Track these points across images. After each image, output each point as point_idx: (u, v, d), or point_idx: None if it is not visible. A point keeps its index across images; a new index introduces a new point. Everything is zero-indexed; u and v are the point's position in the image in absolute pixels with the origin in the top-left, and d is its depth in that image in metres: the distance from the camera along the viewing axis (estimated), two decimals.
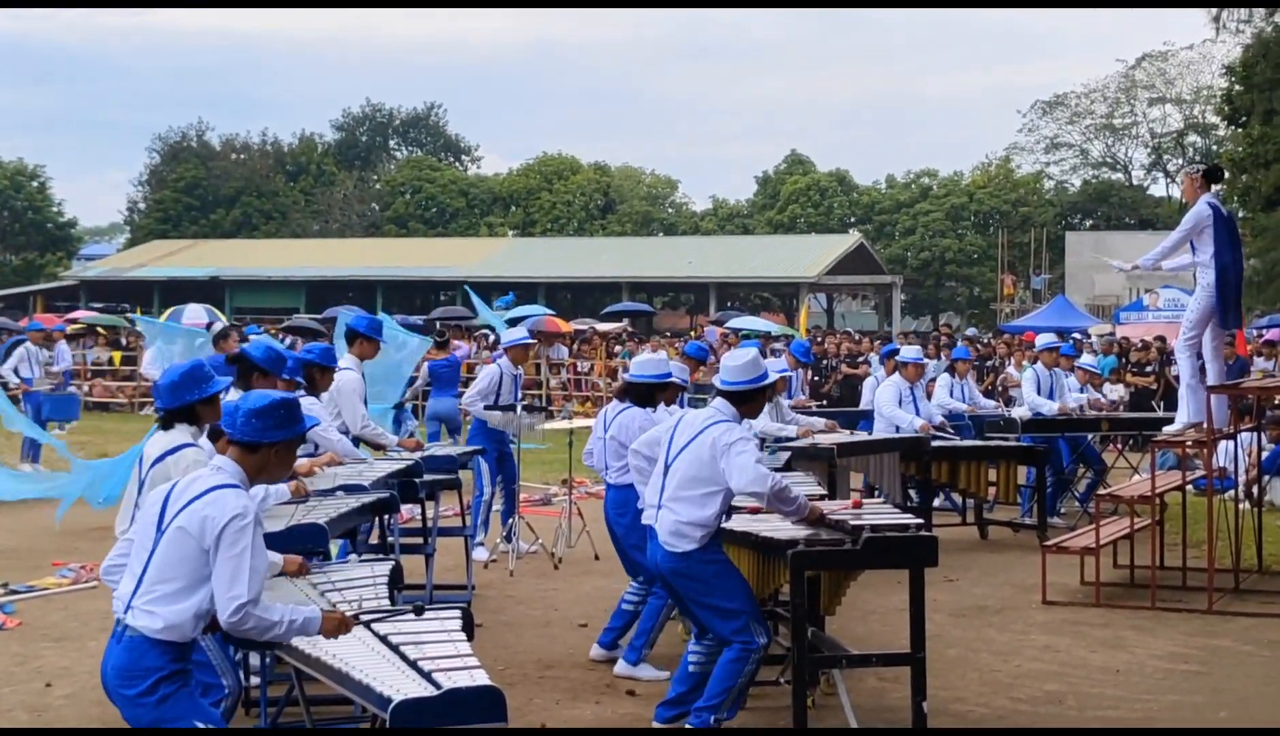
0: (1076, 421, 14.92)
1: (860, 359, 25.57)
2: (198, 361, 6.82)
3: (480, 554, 12.12)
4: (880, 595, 10.28)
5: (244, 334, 20.10)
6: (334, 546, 8.10)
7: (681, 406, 10.76)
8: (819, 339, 29.16)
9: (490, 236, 64.64)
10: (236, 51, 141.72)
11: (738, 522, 7.44)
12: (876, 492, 12.62)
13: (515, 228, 67.51)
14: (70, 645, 9.33)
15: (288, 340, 27.38)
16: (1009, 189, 63.32)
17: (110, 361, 32.51)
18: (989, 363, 25.19)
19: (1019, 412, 15.03)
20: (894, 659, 7.41)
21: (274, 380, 7.81)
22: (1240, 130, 36.22)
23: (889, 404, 13.81)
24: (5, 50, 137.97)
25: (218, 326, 22.20)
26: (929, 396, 15.05)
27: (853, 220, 64.47)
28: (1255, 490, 12.91)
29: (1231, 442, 13.14)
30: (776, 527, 7.31)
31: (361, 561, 6.96)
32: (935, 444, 13.27)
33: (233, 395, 7.09)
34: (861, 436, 13.50)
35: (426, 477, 10.02)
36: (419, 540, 10.23)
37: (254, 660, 7.40)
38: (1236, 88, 35.62)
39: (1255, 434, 13.38)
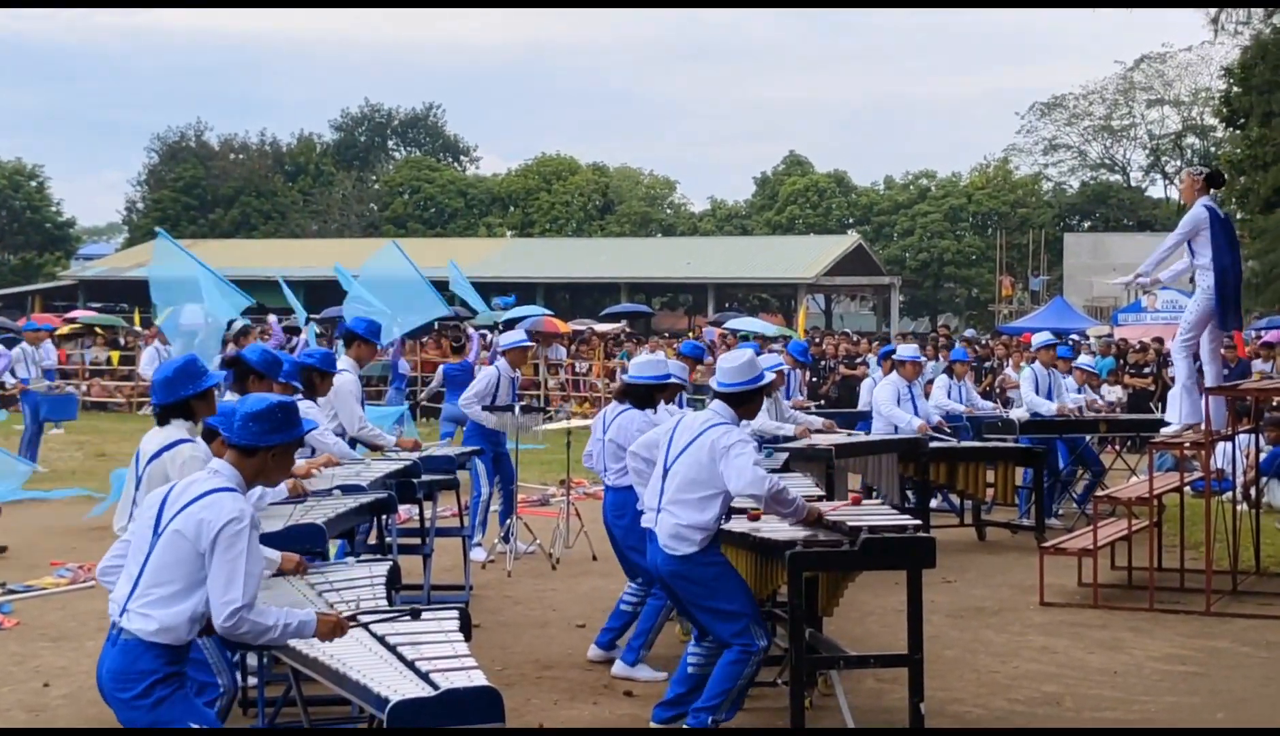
0: (1074, 423, 14.92)
1: (858, 360, 25.57)
2: (191, 356, 6.83)
3: (478, 554, 12.12)
4: (878, 596, 10.29)
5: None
6: (332, 547, 8.10)
7: (680, 406, 10.78)
8: (817, 340, 29.18)
9: (489, 237, 64.61)
10: (235, 51, 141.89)
11: (736, 524, 7.45)
12: (874, 493, 12.62)
13: (514, 228, 67.50)
14: (68, 645, 9.33)
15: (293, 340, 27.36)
16: (1007, 190, 63.34)
17: (108, 361, 32.51)
18: (987, 364, 25.20)
19: (1017, 414, 15.04)
20: (892, 660, 7.41)
21: (270, 383, 7.81)
22: (1238, 132, 36.25)
23: (887, 403, 13.81)
24: (4, 50, 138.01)
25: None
26: (927, 397, 15.05)
27: (851, 221, 64.51)
28: (1253, 492, 12.91)
29: (1229, 444, 13.14)
30: (775, 529, 7.32)
31: (359, 562, 6.96)
32: (933, 445, 13.27)
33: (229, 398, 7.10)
34: (860, 437, 13.50)
35: (424, 478, 10.02)
36: (417, 540, 10.23)
37: (252, 660, 7.40)
38: (1235, 89, 35.63)
39: (1253, 435, 13.38)
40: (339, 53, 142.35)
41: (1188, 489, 12.54)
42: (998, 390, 22.39)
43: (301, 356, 9.67)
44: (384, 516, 9.21)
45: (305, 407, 8.50)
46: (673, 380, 9.46)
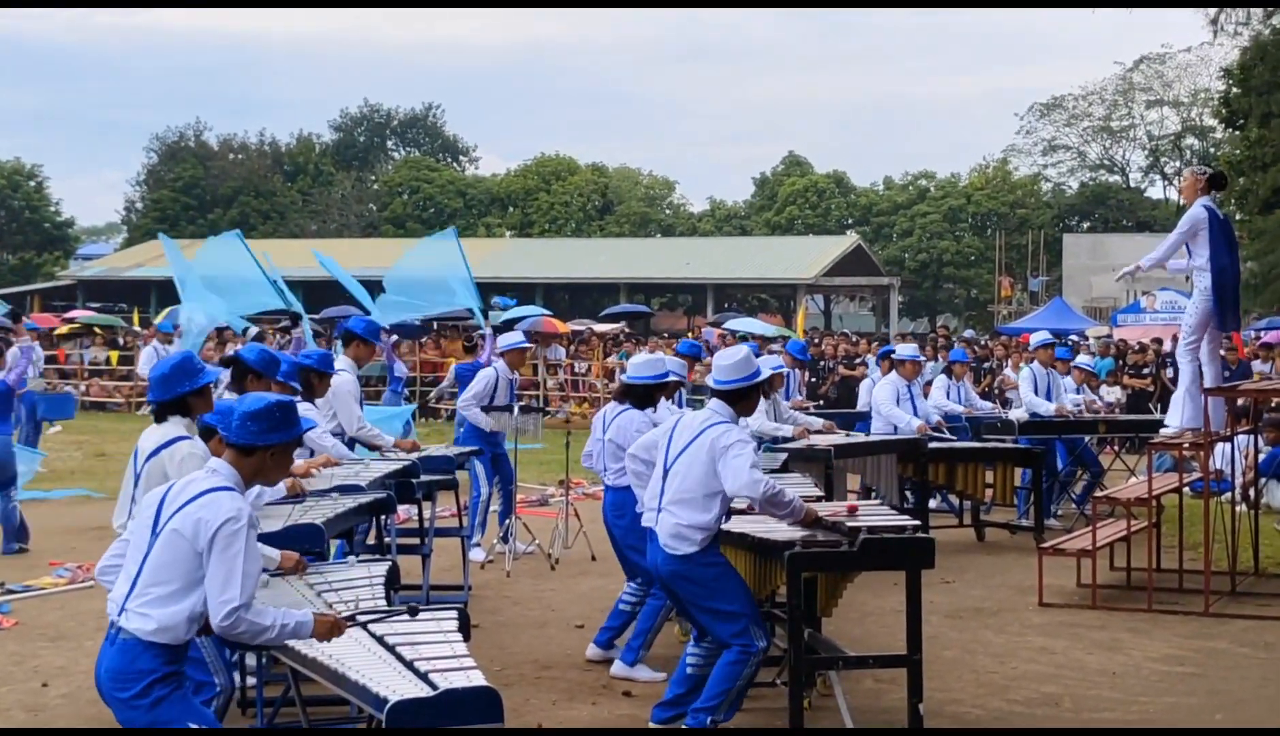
0: (1073, 423, 14.93)
1: (857, 360, 25.57)
2: (188, 353, 6.84)
3: (477, 554, 12.12)
4: (877, 596, 10.29)
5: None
6: (331, 547, 8.10)
7: (680, 405, 10.78)
8: (816, 340, 29.18)
9: (488, 237, 64.61)
10: (234, 51, 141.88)
11: (735, 524, 7.44)
12: (873, 494, 12.62)
13: (513, 228, 67.53)
14: (67, 644, 9.33)
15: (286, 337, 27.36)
16: (1006, 191, 63.34)
17: (107, 361, 32.51)
18: (986, 365, 25.20)
19: (1016, 414, 15.04)
20: (890, 660, 7.42)
21: (268, 383, 7.81)
22: (1238, 133, 36.23)
23: (887, 402, 13.81)
24: (3, 49, 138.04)
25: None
26: (925, 397, 15.04)
27: (850, 222, 64.52)
28: (1252, 493, 12.90)
29: (1228, 445, 13.14)
30: (773, 529, 7.32)
31: (358, 562, 6.96)
32: (932, 445, 13.27)
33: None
34: (859, 437, 13.51)
35: (423, 478, 10.02)
36: (416, 541, 10.23)
37: (250, 660, 7.40)
38: (1234, 90, 35.62)
39: (1252, 436, 13.38)
40: (338, 53, 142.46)
41: (1187, 490, 12.54)
42: (997, 391, 22.40)
43: (299, 357, 9.67)
44: (383, 516, 9.21)
45: (304, 409, 8.51)
46: (671, 378, 9.47)
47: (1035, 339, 15.94)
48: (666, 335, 37.70)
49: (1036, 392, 14.85)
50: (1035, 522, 13.45)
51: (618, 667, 8.51)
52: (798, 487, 8.54)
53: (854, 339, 30.37)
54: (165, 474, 6.21)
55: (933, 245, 61.49)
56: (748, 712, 7.55)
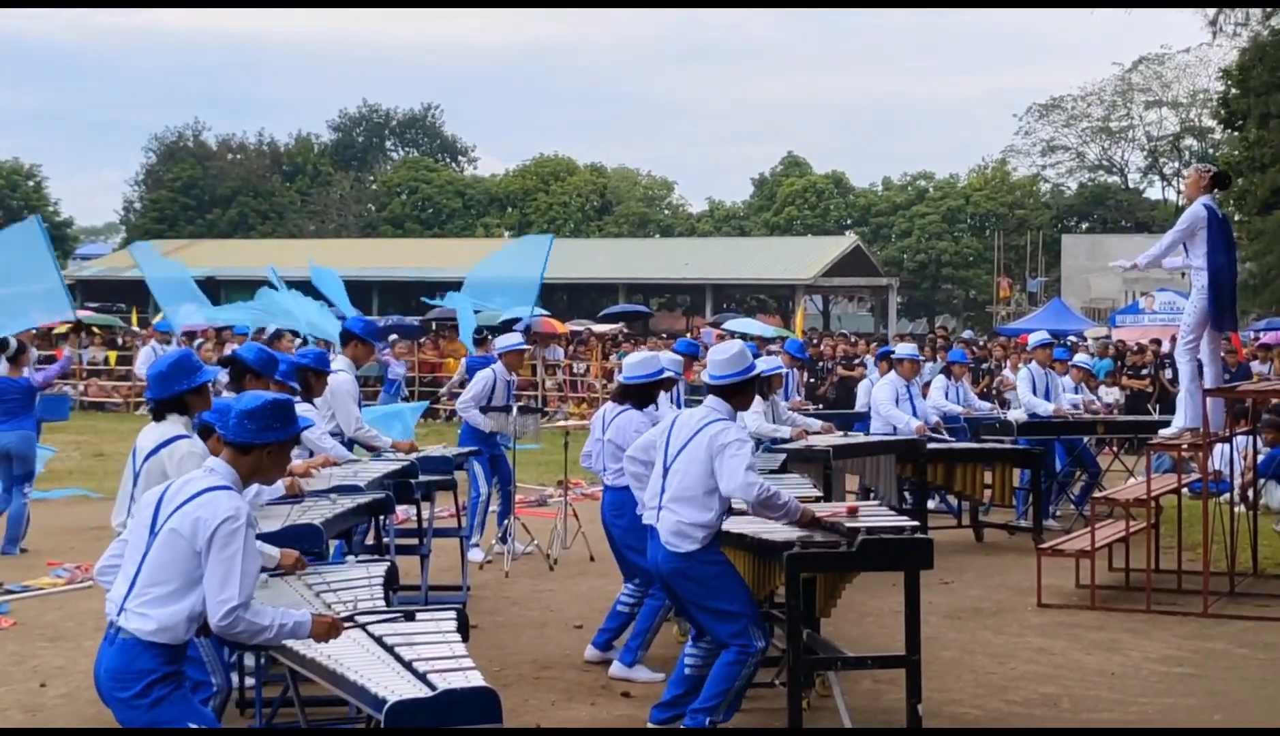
0: (1072, 424, 14.93)
1: (856, 361, 25.58)
2: (186, 351, 6.85)
3: (475, 555, 12.12)
4: (876, 597, 10.29)
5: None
6: (330, 547, 8.10)
7: (678, 405, 10.78)
8: (815, 341, 29.19)
9: (487, 237, 64.60)
10: (233, 51, 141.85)
11: (734, 524, 7.44)
12: (872, 495, 12.61)
13: (512, 228, 67.50)
14: (66, 644, 9.33)
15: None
16: (1005, 192, 63.36)
17: (106, 361, 32.51)
18: (985, 365, 25.20)
19: (1014, 415, 15.04)
20: (889, 661, 7.41)
21: (266, 382, 7.81)
22: (1236, 134, 36.24)
23: (886, 402, 13.80)
24: (3, 49, 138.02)
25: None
26: (924, 397, 15.03)
27: (849, 222, 64.56)
28: (1251, 493, 12.91)
29: (1227, 446, 13.16)
30: (772, 530, 7.31)
31: (357, 562, 6.96)
32: (931, 446, 13.27)
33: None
34: (857, 438, 13.51)
35: (422, 479, 10.02)
36: (414, 541, 10.23)
37: (249, 661, 7.40)
38: (1233, 91, 35.63)
39: (1251, 437, 13.38)
40: (337, 53, 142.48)
41: (1185, 490, 12.54)
42: (995, 392, 22.40)
43: (296, 356, 9.67)
44: (381, 517, 9.21)
45: (303, 409, 8.51)
46: (667, 374, 9.48)
47: (1034, 339, 15.95)
48: (665, 335, 37.72)
49: (1035, 393, 14.85)
50: (1034, 523, 13.45)
51: (616, 668, 8.51)
52: (796, 488, 8.54)
53: (852, 339, 30.38)
54: (164, 472, 6.21)
55: (931, 246, 61.51)
56: (746, 713, 7.55)
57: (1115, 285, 46.76)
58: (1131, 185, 66.86)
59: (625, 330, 38.24)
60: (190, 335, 26.48)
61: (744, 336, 28.89)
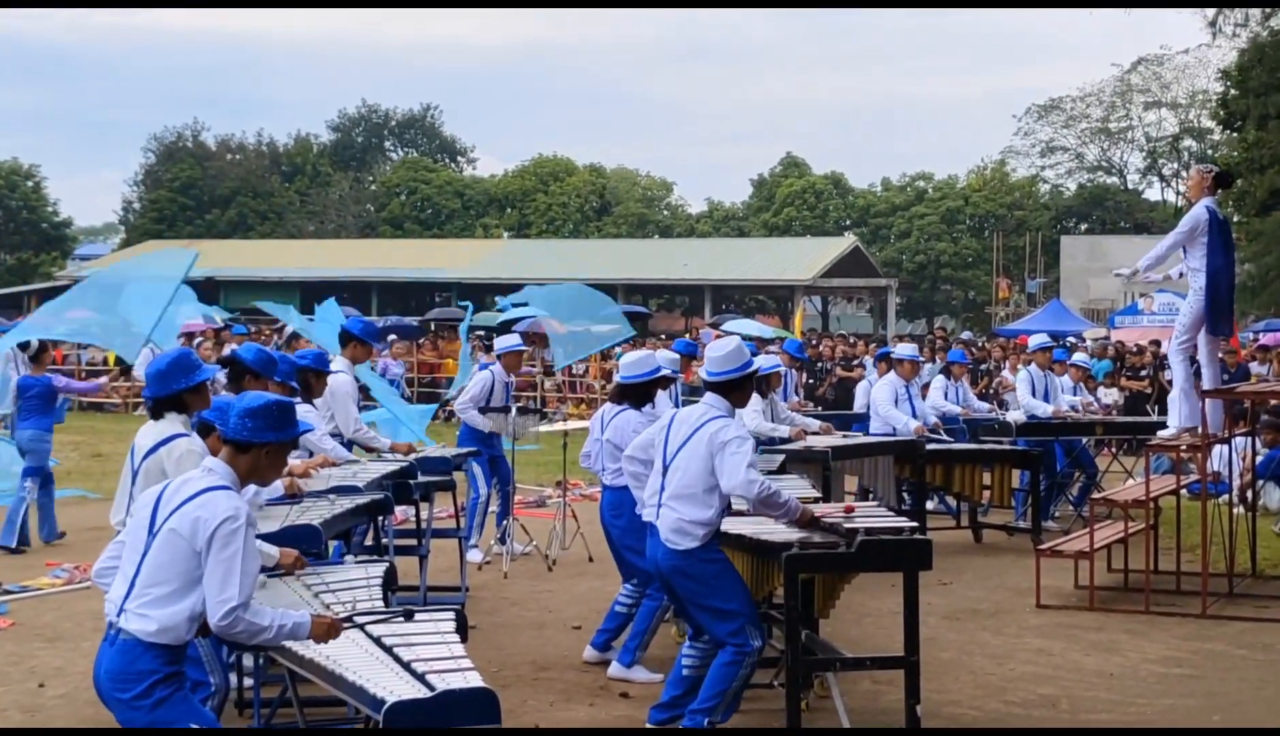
0: (1071, 425, 14.93)
1: (855, 362, 25.57)
2: (185, 350, 6.85)
3: (474, 555, 12.11)
4: (874, 598, 10.29)
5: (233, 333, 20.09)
6: (329, 547, 8.10)
7: (676, 403, 10.78)
8: (814, 342, 29.18)
9: (485, 238, 64.64)
10: (232, 52, 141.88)
11: (733, 525, 7.44)
12: (871, 495, 12.61)
13: (510, 229, 67.53)
14: (64, 645, 9.33)
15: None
16: (1004, 192, 63.37)
17: (105, 361, 32.47)
18: (983, 366, 25.19)
19: (1014, 416, 15.04)
20: (888, 662, 7.42)
21: (266, 383, 7.81)
22: (1235, 135, 36.25)
23: (885, 403, 13.79)
24: (2, 49, 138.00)
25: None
26: (924, 398, 15.03)
27: (848, 223, 64.54)
28: (1249, 494, 12.91)
29: (1226, 447, 13.16)
30: (771, 530, 7.31)
31: (356, 563, 6.96)
32: (930, 447, 13.27)
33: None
34: (856, 438, 13.50)
35: (421, 479, 10.02)
36: (413, 541, 10.23)
37: (248, 661, 7.41)
38: (1232, 92, 35.64)
39: (1249, 438, 13.39)
40: (336, 53, 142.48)
41: (1184, 491, 12.54)
42: (994, 392, 22.40)
43: (296, 357, 9.67)
44: (380, 517, 9.21)
45: (303, 410, 8.52)
46: (664, 373, 9.48)
47: (1034, 342, 15.95)
48: (664, 336, 37.71)
49: (1034, 395, 14.85)
50: (1033, 524, 13.45)
51: (615, 669, 8.51)
52: (795, 489, 8.54)
53: (851, 340, 30.37)
54: (163, 471, 6.21)
55: (930, 247, 61.52)
56: (745, 714, 7.55)
57: (1114, 286, 46.68)
58: (1130, 186, 66.86)
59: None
60: (189, 335, 26.49)
61: (743, 337, 28.87)
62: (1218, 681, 8.62)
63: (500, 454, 12.78)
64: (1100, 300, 47.11)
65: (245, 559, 4.94)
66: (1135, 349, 24.74)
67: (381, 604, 6.14)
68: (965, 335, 40.35)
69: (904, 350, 14.61)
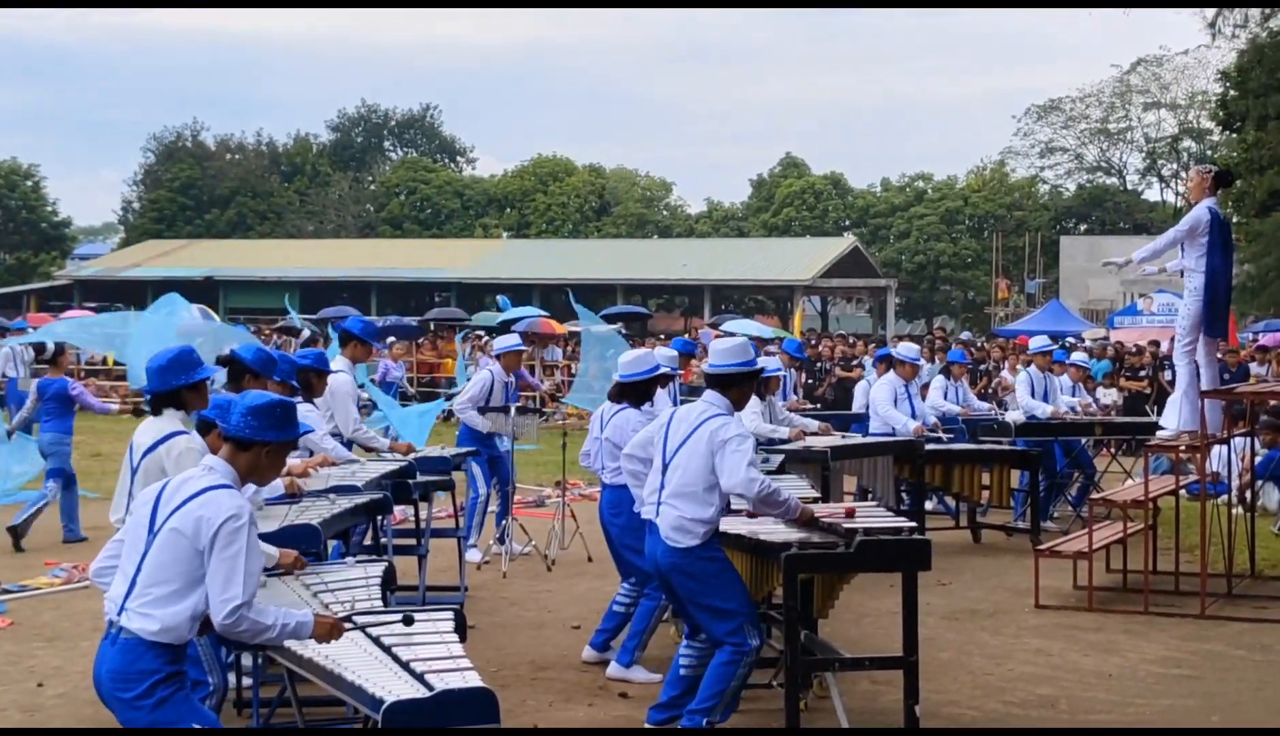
0: (1070, 425, 14.93)
1: (854, 362, 25.57)
2: (187, 347, 6.85)
3: (473, 555, 12.12)
4: (873, 598, 10.29)
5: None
6: (328, 547, 8.10)
7: (675, 403, 10.78)
8: (813, 342, 29.18)
9: (485, 238, 64.64)
10: (232, 52, 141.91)
11: (732, 525, 7.44)
12: (870, 495, 12.61)
13: (510, 229, 67.52)
14: (63, 644, 9.32)
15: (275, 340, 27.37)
16: (1004, 193, 63.38)
17: (104, 361, 32.48)
18: (983, 367, 25.19)
19: (1012, 416, 15.04)
20: (887, 662, 7.42)
21: (265, 382, 7.82)
22: (1235, 135, 36.27)
23: (884, 403, 13.77)
24: (2, 49, 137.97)
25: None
26: (923, 398, 15.02)
27: (847, 223, 64.56)
28: (1248, 495, 12.91)
29: (1225, 447, 13.16)
30: (770, 530, 7.32)
31: (355, 562, 6.96)
32: (929, 447, 13.26)
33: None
34: (855, 439, 13.51)
35: (420, 479, 10.02)
36: (412, 541, 10.23)
37: (246, 661, 7.41)
38: (1231, 93, 35.66)
39: (1248, 439, 13.39)
40: (335, 53, 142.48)
41: (1183, 492, 12.54)
42: (993, 393, 22.40)
43: (296, 357, 9.68)
44: (379, 517, 9.21)
45: (305, 411, 8.54)
46: (663, 371, 9.48)
47: (1034, 344, 15.94)
48: (663, 336, 37.75)
49: (1034, 396, 14.85)
50: (1032, 524, 13.45)
51: (613, 669, 8.51)
52: (794, 489, 8.53)
53: (851, 341, 30.37)
54: (162, 469, 6.22)
55: (930, 247, 61.54)
56: (744, 714, 7.55)
57: (1113, 287, 46.74)
58: (1130, 187, 66.87)
59: (623, 331, 38.19)
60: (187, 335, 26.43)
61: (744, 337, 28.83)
62: (1216, 682, 8.62)
63: (500, 454, 12.78)
64: (1099, 300, 47.14)
65: (249, 557, 4.94)
66: (1134, 349, 24.76)
67: (380, 603, 6.14)
68: (964, 335, 40.35)
69: (905, 351, 14.56)
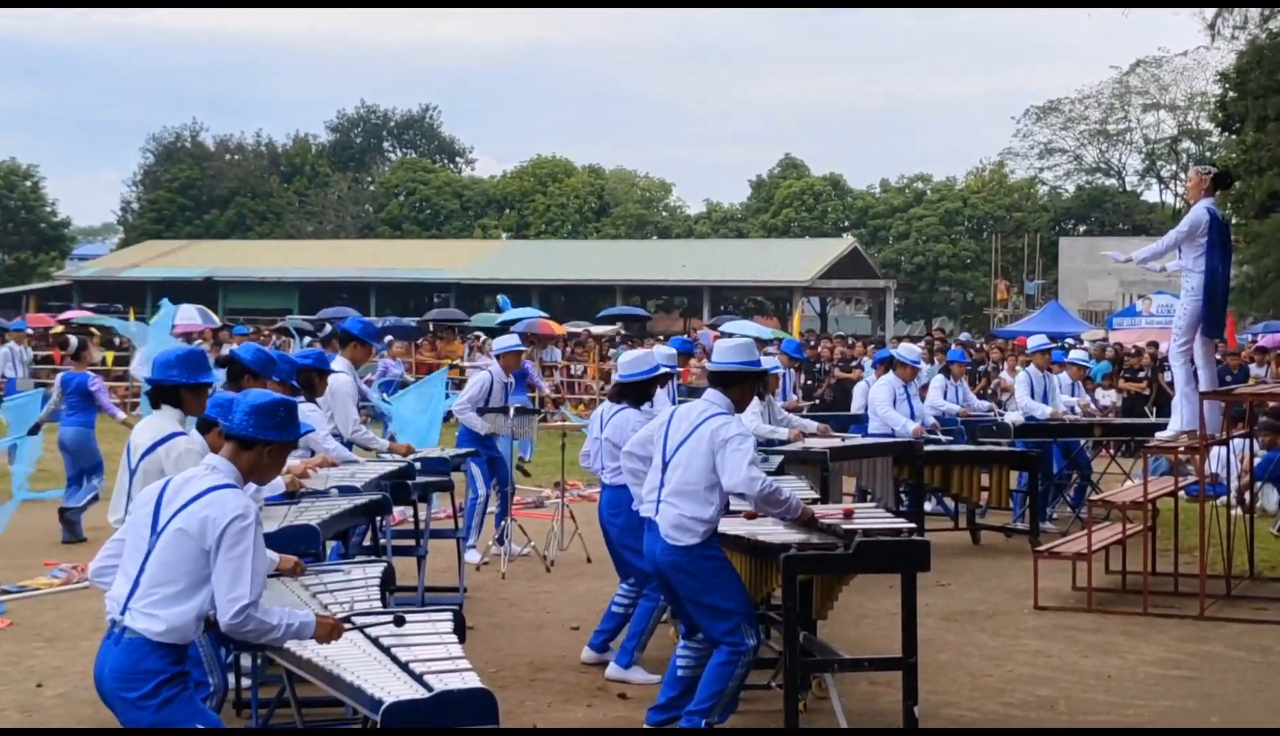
0: (1069, 426, 14.92)
1: (853, 363, 25.57)
2: (199, 350, 6.86)
3: (472, 556, 12.11)
4: (872, 599, 10.29)
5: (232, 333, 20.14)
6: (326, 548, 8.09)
7: (673, 402, 10.78)
8: (812, 343, 29.18)
9: (484, 239, 64.68)
10: (231, 52, 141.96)
11: (731, 526, 7.44)
12: (869, 497, 12.61)
13: (509, 230, 67.58)
14: (62, 645, 9.32)
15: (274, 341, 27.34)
16: (1003, 194, 63.44)
17: (103, 361, 32.46)
18: (981, 368, 25.19)
19: (1012, 417, 15.03)
20: (886, 663, 7.42)
21: (264, 382, 7.81)
22: (1234, 136, 36.28)
23: (883, 403, 13.77)
24: (2, 49, 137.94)
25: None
26: (923, 398, 15.01)
27: (846, 224, 64.64)
28: (1247, 496, 12.92)
29: (1224, 448, 13.16)
30: (770, 531, 7.32)
31: (354, 563, 6.96)
32: (928, 448, 13.26)
33: None
34: (854, 440, 13.50)
35: (419, 479, 10.02)
36: (411, 542, 10.23)
37: (245, 661, 7.40)
38: (1230, 94, 35.67)
39: (1247, 440, 13.39)
40: (335, 54, 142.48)
41: (1182, 493, 12.55)
42: (991, 393, 22.40)
43: (298, 356, 9.68)
44: (379, 518, 9.21)
45: (307, 410, 8.54)
46: (663, 370, 9.49)
47: (1032, 343, 15.94)
48: (662, 337, 37.78)
49: (1033, 396, 14.84)
50: (1031, 526, 13.45)
51: (612, 670, 8.51)
52: (794, 490, 8.53)
53: (850, 342, 30.37)
54: (161, 470, 6.21)
55: (929, 248, 61.57)
56: (743, 714, 7.55)
57: (1112, 288, 46.80)
58: (1129, 188, 66.93)
59: (623, 332, 38.23)
60: (187, 336, 26.47)
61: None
62: (1215, 683, 8.62)
63: (499, 454, 12.78)
64: (1098, 302, 47.17)
65: (255, 557, 4.94)
66: (1133, 351, 24.76)
67: (380, 604, 6.14)
68: (963, 336, 40.36)
69: (906, 353, 14.54)
